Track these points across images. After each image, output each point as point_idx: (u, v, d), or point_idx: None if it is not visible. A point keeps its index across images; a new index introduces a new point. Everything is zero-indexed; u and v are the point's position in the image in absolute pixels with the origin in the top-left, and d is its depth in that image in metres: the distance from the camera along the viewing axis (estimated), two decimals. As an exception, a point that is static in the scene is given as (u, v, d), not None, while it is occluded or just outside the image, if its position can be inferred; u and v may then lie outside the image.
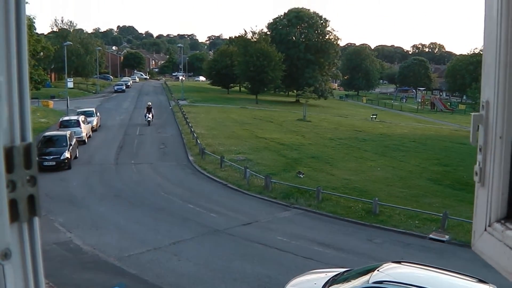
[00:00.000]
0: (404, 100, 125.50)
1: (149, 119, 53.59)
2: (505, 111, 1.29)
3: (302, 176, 31.31)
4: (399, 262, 14.72)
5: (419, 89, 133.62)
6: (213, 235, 22.12)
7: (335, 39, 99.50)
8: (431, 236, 22.86)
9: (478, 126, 1.36)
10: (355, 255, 19.96)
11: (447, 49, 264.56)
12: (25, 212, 1.09)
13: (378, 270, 13.89)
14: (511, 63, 1.27)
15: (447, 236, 22.71)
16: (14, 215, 1.08)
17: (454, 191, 30.71)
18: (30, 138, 1.10)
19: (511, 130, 1.29)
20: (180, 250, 20.06)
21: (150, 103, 56.26)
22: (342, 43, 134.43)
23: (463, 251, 21.32)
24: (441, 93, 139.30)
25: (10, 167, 1.04)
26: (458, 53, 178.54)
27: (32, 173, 1.10)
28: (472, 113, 1.37)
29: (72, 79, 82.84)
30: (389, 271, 13.86)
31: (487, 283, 13.31)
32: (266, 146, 42.66)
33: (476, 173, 1.39)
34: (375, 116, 75.44)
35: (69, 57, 76.46)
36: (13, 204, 1.07)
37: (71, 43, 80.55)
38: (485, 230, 1.36)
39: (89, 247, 20.08)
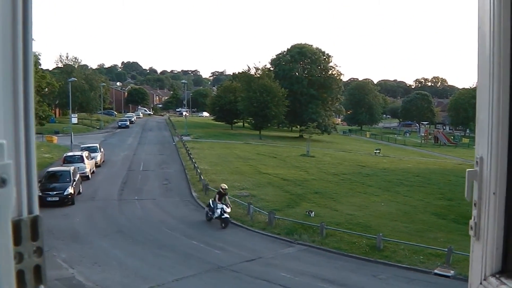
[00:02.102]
0: (408, 134, 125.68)
1: (224, 215, 28.96)
2: (499, 168, 1.32)
3: (313, 215, 31.05)
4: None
5: (422, 123, 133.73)
6: (216, 272, 21.98)
7: (338, 74, 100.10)
8: (436, 271, 22.67)
9: (473, 181, 1.40)
10: (360, 292, 19.81)
11: (449, 83, 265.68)
12: (31, 281, 1.12)
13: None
14: (504, 121, 1.31)
15: (452, 271, 22.51)
16: (21, 285, 1.11)
17: (459, 226, 30.52)
18: (37, 210, 1.13)
19: (504, 186, 1.32)
20: (183, 287, 19.93)
21: (225, 186, 31.00)
22: (345, 78, 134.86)
23: (469, 287, 21.14)
24: (444, 127, 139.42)
25: (17, 240, 1.07)
26: (460, 86, 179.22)
27: (38, 244, 1.13)
28: (467, 170, 1.41)
29: (76, 115, 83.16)
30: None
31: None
32: (270, 181, 42.62)
33: (471, 228, 1.41)
34: (378, 151, 75.44)
35: (73, 93, 76.99)
36: (20, 275, 1.10)
37: (76, 79, 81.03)
38: (481, 283, 1.38)
39: (92, 283, 19.96)
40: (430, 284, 21.30)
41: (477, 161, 1.40)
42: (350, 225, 29.15)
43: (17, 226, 1.07)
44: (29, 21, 1.06)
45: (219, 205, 28.96)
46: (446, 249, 23.61)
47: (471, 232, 1.40)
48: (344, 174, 48.71)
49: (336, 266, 23.28)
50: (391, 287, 20.58)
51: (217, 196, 29.56)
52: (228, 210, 29.09)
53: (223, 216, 28.71)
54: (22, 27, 1.05)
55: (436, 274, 22.55)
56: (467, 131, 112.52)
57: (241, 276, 21.44)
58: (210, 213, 29.45)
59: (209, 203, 30.00)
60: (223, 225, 28.66)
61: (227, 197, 29.87)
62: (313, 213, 31.39)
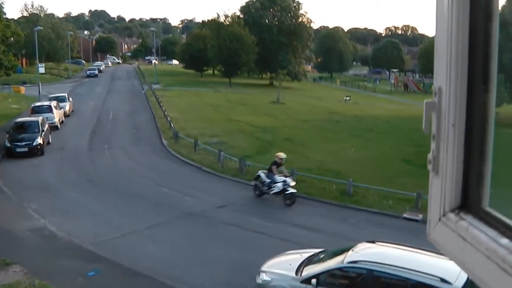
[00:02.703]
0: (378, 81, 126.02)
1: (289, 190, 24.07)
2: (458, 99, 1.27)
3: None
4: (373, 242, 14.84)
5: (392, 71, 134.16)
6: (188, 218, 22.09)
7: (308, 22, 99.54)
8: (405, 215, 23.05)
9: (431, 113, 1.34)
10: (330, 236, 20.07)
11: (420, 31, 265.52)
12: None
13: (352, 250, 14.00)
14: (463, 49, 1.25)
15: (420, 216, 22.89)
16: None
17: (427, 171, 30.91)
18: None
19: (463, 117, 1.27)
20: (155, 234, 20.02)
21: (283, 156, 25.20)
22: (315, 26, 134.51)
23: (436, 230, 21.55)
24: (414, 75, 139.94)
25: None
26: (430, 35, 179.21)
27: None
28: (425, 100, 1.35)
29: (43, 65, 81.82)
30: (364, 251, 13.97)
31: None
32: (240, 129, 42.61)
33: (430, 162, 1.37)
34: (348, 98, 75.67)
35: (40, 42, 75.54)
36: None
37: (42, 28, 79.30)
38: (440, 220, 1.34)
39: (64, 233, 19.94)
40: (399, 228, 21.65)
41: (435, 92, 1.35)
42: (320, 171, 29.37)
43: None
44: None
45: (279, 178, 24.07)
46: (415, 194, 23.96)
47: (430, 167, 1.36)
48: (315, 121, 48.85)
49: (307, 211, 23.50)
50: (361, 231, 20.85)
51: (273, 167, 24.42)
52: (293, 183, 24.29)
53: (288, 192, 23.94)
54: None
55: (405, 218, 22.93)
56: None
57: (212, 222, 21.57)
58: (264, 187, 24.46)
59: (258, 175, 24.94)
60: (288, 202, 23.88)
61: (284, 168, 24.95)
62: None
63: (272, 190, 24.06)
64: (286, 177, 24.18)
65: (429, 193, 1.38)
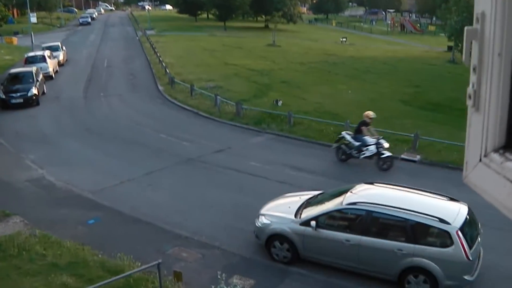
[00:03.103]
0: (374, 22, 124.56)
1: (384, 153, 21.56)
2: (505, 24, 1.11)
3: (280, 104, 31.00)
4: (371, 183, 14.84)
5: (388, 11, 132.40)
6: (186, 164, 22.05)
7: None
8: (402, 156, 23.04)
9: (472, 42, 1.18)
10: (329, 178, 20.09)
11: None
12: None
13: (351, 192, 14.00)
14: None
15: (418, 156, 22.92)
16: None
17: (425, 112, 30.87)
18: None
19: (511, 45, 1.11)
20: (154, 181, 20.00)
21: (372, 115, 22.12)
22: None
23: (435, 170, 21.62)
24: (410, 15, 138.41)
25: None
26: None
27: None
28: (466, 27, 1.19)
29: (35, 14, 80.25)
30: (362, 192, 13.98)
31: (458, 201, 13.50)
32: (236, 72, 42.25)
33: (470, 97, 1.21)
34: (345, 39, 74.91)
35: (30, -9, 74.13)
36: None
37: (32, -24, 77.81)
38: (480, 161, 1.20)
39: (62, 182, 19.88)
40: (397, 169, 21.64)
41: (477, 18, 1.18)
42: (317, 113, 29.25)
43: None
44: None
45: (370, 140, 21.41)
46: (413, 135, 23.91)
47: (470, 102, 1.21)
48: (311, 63, 48.44)
49: (305, 154, 23.48)
50: (360, 172, 20.85)
51: (363, 128, 21.62)
52: (387, 144, 21.50)
53: (383, 155, 21.30)
54: None
55: (403, 159, 22.93)
56: (434, 18, 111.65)
57: (211, 167, 21.54)
58: (353, 151, 21.76)
59: (342, 137, 22.29)
60: (384, 166, 21.24)
61: (372, 128, 22.05)
62: (280, 102, 31.34)
63: (363, 154, 21.48)
64: (377, 139, 21.45)
65: (467, 132, 1.24)
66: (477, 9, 1.18)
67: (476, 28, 1.17)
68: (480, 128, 1.19)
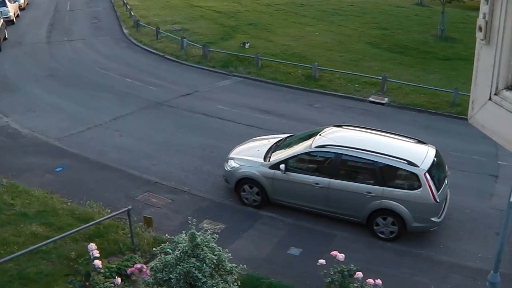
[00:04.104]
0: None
1: None
2: None
3: (247, 46, 30.59)
4: (340, 126, 14.83)
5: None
6: (153, 108, 21.77)
7: None
8: (370, 99, 23.10)
9: None
10: (297, 121, 20.05)
11: None
12: None
13: (320, 135, 13.97)
14: None
15: (386, 99, 22.98)
16: None
17: (393, 54, 30.81)
18: None
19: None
20: (121, 126, 19.74)
21: None
22: None
23: (403, 113, 21.75)
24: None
25: None
26: None
27: None
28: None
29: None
30: (331, 135, 13.96)
31: (426, 143, 13.58)
32: (202, 14, 41.50)
33: (480, 28, 1.07)
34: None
35: None
36: None
37: None
38: (490, 99, 1.08)
39: (28, 130, 19.46)
40: (365, 112, 21.72)
41: None
42: (285, 55, 29.02)
43: None
44: None
45: None
46: (381, 77, 23.91)
47: (480, 35, 1.07)
48: (278, 5, 47.70)
49: (273, 97, 23.37)
50: (328, 115, 20.88)
51: None
52: None
53: None
54: None
55: (371, 101, 22.98)
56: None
57: (179, 111, 21.33)
58: None
59: None
60: None
61: None
62: (247, 44, 30.96)
63: None
64: None
65: (475, 67, 1.11)
66: None
67: (489, -51, 1.03)
68: (491, 63, 1.06)
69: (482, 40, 1.08)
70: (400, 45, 32.61)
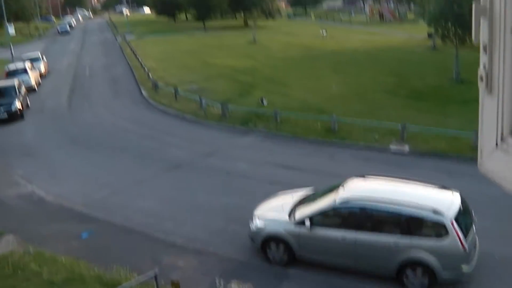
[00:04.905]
0: (353, 13, 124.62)
1: None
2: (517, -2, 1.00)
3: (265, 103, 30.75)
4: (362, 177, 14.75)
5: (366, 1, 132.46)
6: (175, 169, 21.89)
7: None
8: (391, 147, 23.01)
9: (480, 19, 1.08)
10: (319, 174, 19.99)
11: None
12: None
13: (343, 187, 13.89)
14: None
15: (407, 146, 22.88)
16: None
17: (410, 101, 30.87)
18: None
19: (524, 22, 1.01)
20: (144, 188, 19.84)
21: None
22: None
23: (424, 160, 21.60)
24: (388, 3, 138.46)
25: None
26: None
27: None
28: (473, 3, 1.09)
29: (12, 25, 79.78)
30: (354, 187, 13.88)
31: (450, 189, 13.45)
32: (219, 73, 42.10)
33: (482, 78, 1.10)
34: (325, 32, 74.83)
35: (6, 2, 73.40)
36: None
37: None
38: (497, 146, 1.10)
39: (52, 196, 19.63)
40: (386, 161, 21.63)
41: None
42: (303, 109, 29.16)
43: None
44: None
45: None
46: (400, 126, 23.84)
47: (482, 84, 1.10)
48: (293, 59, 48.36)
49: (293, 151, 23.41)
50: (349, 166, 20.80)
51: None
52: None
53: None
54: None
55: (391, 150, 22.88)
56: (411, 5, 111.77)
57: (201, 171, 21.39)
58: None
59: None
60: None
61: None
62: (265, 100, 31.17)
63: None
64: None
65: (480, 116, 1.14)
66: (485, -17, 1.08)
67: (485, 4, 1.07)
68: (495, 111, 1.08)
69: (484, 89, 1.11)
70: (417, 91, 32.70)
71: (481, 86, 1.11)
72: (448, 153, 21.89)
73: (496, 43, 1.04)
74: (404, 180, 14.11)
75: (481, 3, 1.07)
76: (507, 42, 1.02)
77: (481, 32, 1.07)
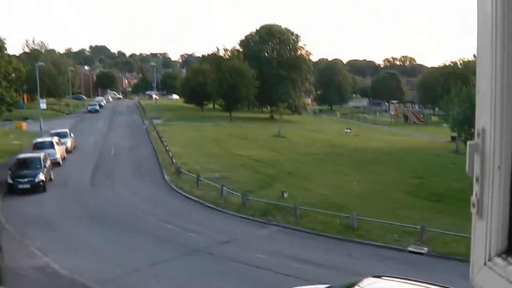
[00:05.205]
0: (377, 113, 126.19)
1: None
2: (503, 140, 1.23)
3: (286, 196, 30.94)
4: (379, 277, 14.62)
5: (391, 102, 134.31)
6: (191, 255, 21.91)
7: (307, 54, 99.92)
8: (410, 249, 22.87)
9: (474, 155, 1.30)
10: (335, 271, 19.87)
11: (418, 62, 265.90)
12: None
13: (358, 286, 13.80)
14: (508, 89, 1.22)
15: (425, 249, 22.73)
16: None
17: (431, 203, 30.85)
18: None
19: (510, 159, 1.23)
20: (159, 271, 19.82)
21: None
22: (314, 58, 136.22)
23: (442, 263, 21.39)
24: (413, 105, 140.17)
25: None
26: (429, 65, 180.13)
27: None
28: (468, 142, 1.31)
29: (44, 100, 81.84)
30: (370, 286, 13.78)
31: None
32: (242, 163, 42.54)
33: (474, 205, 1.32)
34: (349, 130, 75.73)
35: (41, 78, 75.82)
36: None
37: (43, 63, 79.64)
38: (485, 264, 1.29)
39: (67, 271, 19.68)
40: (404, 262, 21.46)
41: (478, 133, 1.31)
42: (323, 205, 29.23)
43: None
44: None
45: None
46: (419, 227, 23.80)
47: (473, 210, 1.31)
48: (316, 154, 48.80)
49: (311, 246, 23.36)
50: (366, 265, 20.67)
51: None
52: None
53: None
54: None
55: (410, 251, 22.75)
56: (436, 109, 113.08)
57: (217, 259, 21.39)
58: None
59: None
60: None
61: None
62: (286, 193, 31.36)
63: None
64: None
65: (472, 236, 1.34)
66: (478, 125, 1.31)
67: (478, 143, 1.30)
68: (484, 234, 1.29)
69: (476, 214, 1.32)
70: (438, 194, 32.71)
71: (473, 211, 1.32)
72: (466, 257, 21.63)
73: (486, 176, 1.26)
74: (421, 283, 13.97)
75: (475, 141, 1.30)
76: (495, 176, 1.24)
77: (474, 166, 1.29)
